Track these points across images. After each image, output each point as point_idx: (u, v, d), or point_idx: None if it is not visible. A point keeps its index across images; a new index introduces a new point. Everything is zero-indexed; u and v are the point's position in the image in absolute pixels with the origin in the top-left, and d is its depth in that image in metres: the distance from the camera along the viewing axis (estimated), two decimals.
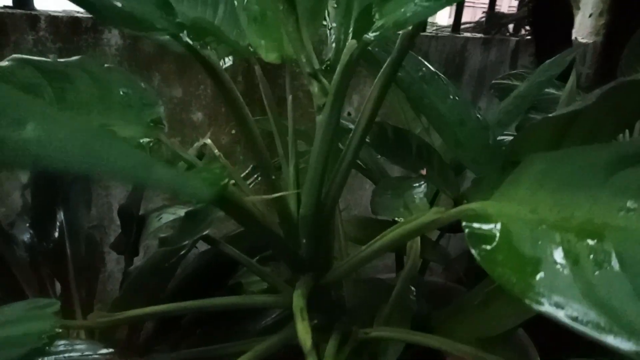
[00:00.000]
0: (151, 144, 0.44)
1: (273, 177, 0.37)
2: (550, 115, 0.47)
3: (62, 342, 0.41)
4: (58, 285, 0.56)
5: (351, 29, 0.35)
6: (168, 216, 0.53)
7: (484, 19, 1.57)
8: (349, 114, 1.21)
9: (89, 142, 0.13)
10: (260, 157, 0.36)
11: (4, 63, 0.49)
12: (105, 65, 0.47)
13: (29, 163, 0.12)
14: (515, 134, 0.89)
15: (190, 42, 0.31)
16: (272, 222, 0.38)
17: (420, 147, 0.78)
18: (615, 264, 0.21)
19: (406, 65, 0.71)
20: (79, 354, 0.40)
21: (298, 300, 0.29)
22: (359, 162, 0.84)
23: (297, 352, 0.38)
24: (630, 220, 0.22)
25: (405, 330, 0.43)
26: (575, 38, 1.63)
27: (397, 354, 0.55)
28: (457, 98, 0.73)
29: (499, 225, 0.24)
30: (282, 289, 0.46)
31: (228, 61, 0.42)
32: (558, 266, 0.22)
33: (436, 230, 0.81)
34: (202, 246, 0.56)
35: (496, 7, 1.57)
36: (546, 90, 0.95)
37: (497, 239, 0.24)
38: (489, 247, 0.24)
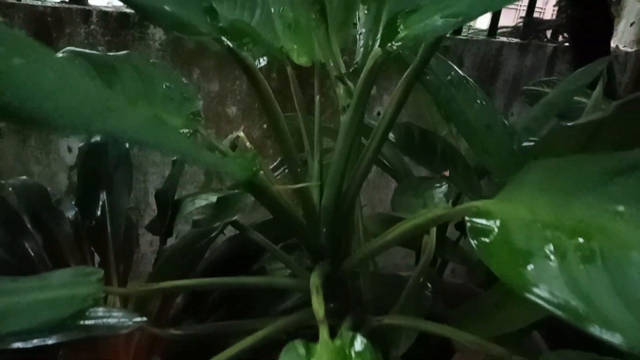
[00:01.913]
0: (190, 135, 0.48)
1: (299, 169, 0.40)
2: (569, 124, 0.49)
3: (101, 309, 0.45)
4: (97, 260, 0.61)
5: (379, 35, 0.38)
6: (200, 201, 0.57)
7: (521, 23, 1.56)
8: (379, 113, 1.24)
9: (156, 131, 0.17)
10: (288, 151, 0.39)
11: (60, 55, 0.54)
12: (151, 60, 0.52)
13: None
14: None
15: (231, 44, 0.34)
16: (296, 212, 0.42)
17: (445, 149, 0.80)
18: (598, 261, 0.23)
19: (435, 69, 0.73)
20: (116, 320, 0.44)
21: (315, 279, 0.33)
22: (385, 161, 0.86)
23: (312, 334, 0.41)
24: (617, 223, 0.24)
25: (418, 319, 0.45)
26: (617, 46, 1.60)
27: (409, 343, 0.58)
28: (484, 103, 0.75)
29: (498, 222, 0.27)
30: (302, 275, 0.49)
31: (262, 61, 0.46)
32: (547, 259, 0.24)
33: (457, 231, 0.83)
34: (230, 232, 0.60)
35: (542, 13, 1.56)
36: (578, 99, 0.95)
37: (495, 233, 0.26)
38: (487, 240, 0.26)
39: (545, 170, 0.28)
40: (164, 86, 0.50)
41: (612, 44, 1.52)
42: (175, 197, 0.67)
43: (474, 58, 1.38)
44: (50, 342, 0.39)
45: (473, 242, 0.26)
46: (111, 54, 0.54)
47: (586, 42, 1.28)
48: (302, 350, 0.24)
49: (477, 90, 0.76)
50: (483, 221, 0.27)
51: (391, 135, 0.76)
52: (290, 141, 0.39)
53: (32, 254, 0.57)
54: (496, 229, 0.26)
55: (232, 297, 0.52)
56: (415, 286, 0.53)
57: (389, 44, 0.32)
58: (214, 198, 0.58)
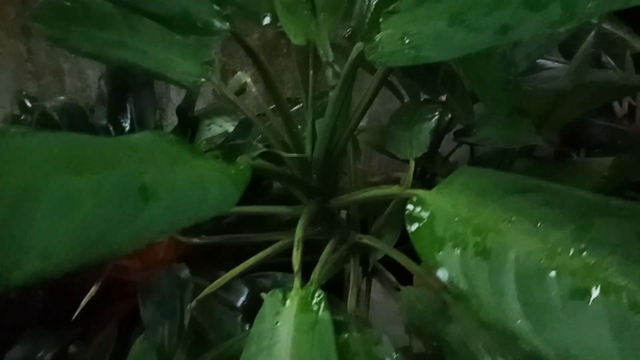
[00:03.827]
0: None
1: (294, 130, 0.48)
2: (545, 87, 0.54)
3: None
4: None
5: (365, 27, 0.43)
6: (216, 128, 0.66)
7: None
8: None
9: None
10: (286, 117, 0.47)
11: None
12: None
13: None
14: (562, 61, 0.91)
15: (235, 31, 0.40)
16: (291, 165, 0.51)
17: (447, 74, 0.85)
18: (487, 255, 0.33)
19: None
20: None
21: (299, 231, 0.43)
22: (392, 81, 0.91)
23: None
24: (507, 228, 0.33)
25: (386, 245, 0.57)
26: None
27: (382, 255, 0.71)
28: None
29: (428, 212, 0.36)
30: (299, 195, 0.60)
31: (267, 19, 0.51)
32: (453, 249, 0.34)
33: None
34: None
35: None
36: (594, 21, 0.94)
37: (424, 221, 0.36)
38: (418, 225, 0.36)
39: (472, 175, 0.36)
40: None
41: None
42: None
43: None
44: None
45: (407, 227, 0.36)
46: None
47: None
48: (280, 295, 0.35)
49: None
50: (419, 209, 0.37)
51: None
52: (287, 109, 0.46)
53: None
54: (426, 218, 0.36)
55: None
56: (392, 212, 0.64)
57: (367, 47, 0.38)
58: (228, 125, 0.67)
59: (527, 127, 0.60)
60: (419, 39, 0.33)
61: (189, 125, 0.73)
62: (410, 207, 0.37)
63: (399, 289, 0.62)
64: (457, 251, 0.34)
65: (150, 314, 0.46)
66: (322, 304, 0.34)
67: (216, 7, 0.40)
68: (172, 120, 1.01)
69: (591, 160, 0.63)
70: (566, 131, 0.79)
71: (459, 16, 0.31)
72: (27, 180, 0.18)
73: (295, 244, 0.41)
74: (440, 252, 0.34)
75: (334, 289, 0.65)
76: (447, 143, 0.94)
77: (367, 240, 0.61)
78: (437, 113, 0.77)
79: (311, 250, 0.62)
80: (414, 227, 0.36)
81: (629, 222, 0.28)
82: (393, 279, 0.63)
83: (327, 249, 0.57)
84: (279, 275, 0.65)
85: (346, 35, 0.49)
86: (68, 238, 0.18)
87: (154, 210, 0.23)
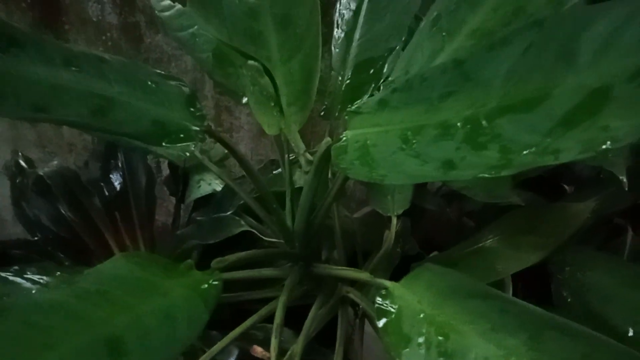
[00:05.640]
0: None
1: (274, 205, 0.50)
2: None
3: None
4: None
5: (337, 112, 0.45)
6: (205, 186, 0.69)
7: None
8: None
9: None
10: (266, 196, 0.49)
11: None
12: None
13: None
14: None
15: (211, 130, 0.42)
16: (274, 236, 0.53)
17: None
18: (445, 356, 0.34)
19: None
20: None
21: (278, 313, 0.45)
22: None
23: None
24: (467, 329, 0.35)
25: (369, 302, 0.59)
26: None
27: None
28: None
29: (396, 307, 0.38)
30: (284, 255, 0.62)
31: (245, 99, 0.53)
32: (418, 348, 0.36)
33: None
34: None
35: None
36: None
37: (392, 316, 0.38)
38: (386, 320, 0.38)
39: (436, 273, 0.38)
40: None
41: None
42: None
43: None
44: None
45: (376, 321, 0.38)
46: None
47: None
48: None
49: None
50: (387, 302, 0.38)
51: None
52: (269, 191, 0.48)
53: (72, 224, 0.71)
54: (394, 314, 0.38)
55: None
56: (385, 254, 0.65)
57: (334, 145, 0.40)
58: (216, 183, 0.69)
59: (506, 180, 0.62)
60: (377, 153, 0.35)
61: (179, 180, 0.75)
62: (379, 300, 0.39)
63: None
64: (422, 351, 0.35)
65: None
66: None
67: (191, 109, 0.43)
68: None
69: (574, 204, 0.65)
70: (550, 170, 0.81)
71: (412, 136, 0.33)
72: None
73: (274, 330, 0.43)
74: (406, 350, 0.36)
75: (328, 331, 0.67)
76: None
77: (352, 295, 0.63)
78: None
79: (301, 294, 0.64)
80: (382, 323, 0.38)
81: (573, 341, 0.30)
82: None
83: (314, 308, 0.59)
84: (270, 327, 0.67)
85: (322, 113, 0.51)
86: None
87: None
